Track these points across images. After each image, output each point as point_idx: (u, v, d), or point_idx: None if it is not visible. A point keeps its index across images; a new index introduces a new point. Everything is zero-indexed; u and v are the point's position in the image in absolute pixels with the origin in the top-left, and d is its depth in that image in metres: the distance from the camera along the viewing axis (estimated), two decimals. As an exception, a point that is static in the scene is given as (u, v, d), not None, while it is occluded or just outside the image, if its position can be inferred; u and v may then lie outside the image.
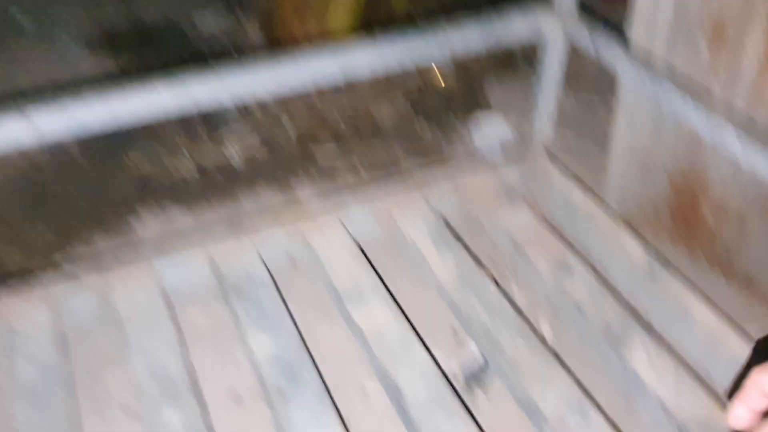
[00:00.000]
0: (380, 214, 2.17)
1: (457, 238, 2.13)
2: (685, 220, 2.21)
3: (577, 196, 2.17)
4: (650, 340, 1.78)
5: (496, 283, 1.96)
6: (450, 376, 1.93)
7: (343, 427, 1.59)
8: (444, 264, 2.01)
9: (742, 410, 0.75)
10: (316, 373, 1.70)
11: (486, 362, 1.93)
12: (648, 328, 1.84)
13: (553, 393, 1.66)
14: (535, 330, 1.85)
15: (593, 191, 2.27)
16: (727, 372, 1.71)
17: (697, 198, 2.12)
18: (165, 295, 1.93)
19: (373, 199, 2.19)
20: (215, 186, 2.43)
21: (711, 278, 2.18)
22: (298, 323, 1.86)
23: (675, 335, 1.85)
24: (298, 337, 1.79)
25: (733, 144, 1.66)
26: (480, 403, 1.88)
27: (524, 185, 2.35)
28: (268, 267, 2.01)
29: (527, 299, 2.09)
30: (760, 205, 1.92)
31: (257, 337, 1.79)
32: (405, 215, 2.16)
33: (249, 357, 1.77)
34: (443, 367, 1.93)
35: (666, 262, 1.95)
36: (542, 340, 1.81)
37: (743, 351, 1.68)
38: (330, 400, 1.64)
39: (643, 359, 1.73)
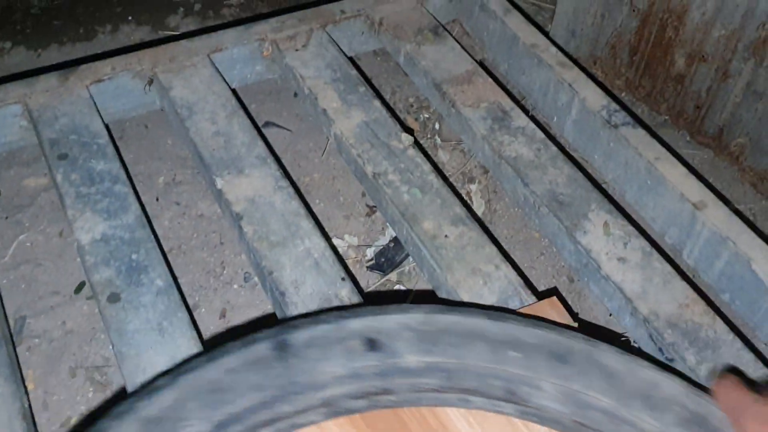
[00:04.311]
0: (263, 48, 1.65)
1: (366, 80, 1.64)
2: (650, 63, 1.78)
3: (518, 27, 1.69)
4: (608, 209, 1.38)
5: (414, 139, 1.50)
6: (345, 259, 1.52)
7: (200, 343, 1.16)
8: (347, 114, 1.52)
9: None
10: (165, 268, 1.24)
11: (398, 244, 1.52)
12: (605, 193, 1.45)
13: (483, 282, 1.25)
14: (462, 201, 1.43)
15: (538, 24, 1.79)
16: (704, 251, 1.35)
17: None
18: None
19: (254, 31, 1.66)
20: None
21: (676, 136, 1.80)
22: (144, 199, 1.40)
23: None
24: (142, 219, 1.31)
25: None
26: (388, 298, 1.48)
27: (452, 13, 1.84)
28: (105, 120, 1.49)
29: (450, 155, 1.66)
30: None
31: (85, 217, 1.30)
32: (297, 51, 1.64)
33: (72, 243, 1.31)
34: (341, 252, 1.52)
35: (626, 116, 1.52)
36: (474, 217, 1.39)
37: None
38: (181, 302, 1.20)
39: (599, 236, 1.34)
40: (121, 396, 1.25)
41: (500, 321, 0.96)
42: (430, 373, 0.92)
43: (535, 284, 1.51)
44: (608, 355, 0.94)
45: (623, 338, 1.40)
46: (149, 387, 0.86)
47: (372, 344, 0.93)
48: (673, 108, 1.83)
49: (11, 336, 1.20)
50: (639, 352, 1.16)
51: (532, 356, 0.93)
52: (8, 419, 1.04)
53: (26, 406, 1.07)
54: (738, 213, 1.39)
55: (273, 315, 1.41)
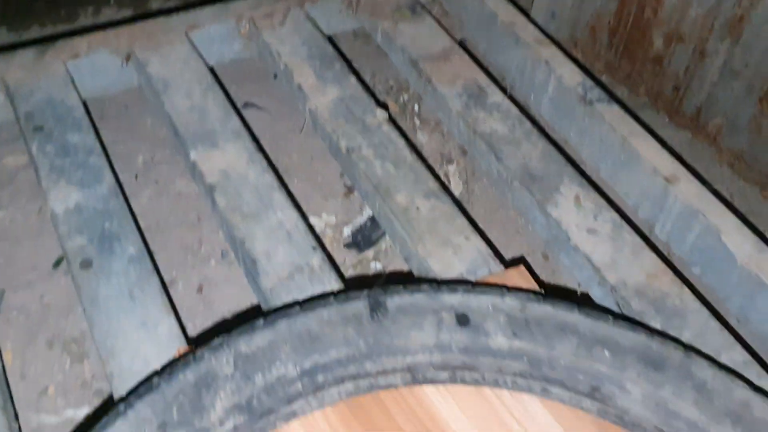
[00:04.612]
0: (241, 27, 1.66)
1: (343, 58, 1.65)
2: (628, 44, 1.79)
3: (497, 6, 1.69)
4: (580, 183, 1.39)
5: (390, 116, 1.51)
6: (323, 237, 1.53)
7: (170, 308, 1.16)
8: (322, 91, 1.53)
9: None
10: (138, 237, 1.25)
11: (375, 223, 1.53)
12: (579, 169, 1.46)
13: (453, 253, 1.26)
14: (437, 177, 1.44)
15: (519, 6, 1.80)
16: (676, 225, 1.36)
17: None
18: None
19: (232, 9, 1.66)
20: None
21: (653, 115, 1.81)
22: (119, 174, 1.40)
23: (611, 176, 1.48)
24: (117, 192, 1.31)
25: None
26: (363, 271, 1.49)
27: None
28: (83, 96, 1.49)
29: (429, 137, 1.67)
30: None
31: (60, 191, 1.31)
32: (274, 29, 1.65)
33: (47, 217, 1.31)
34: (319, 230, 1.52)
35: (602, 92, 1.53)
36: (446, 191, 1.40)
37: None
38: (155, 273, 1.21)
39: (570, 208, 1.35)
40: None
41: (595, 319, 0.96)
42: (516, 358, 0.94)
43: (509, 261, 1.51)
44: (704, 369, 0.93)
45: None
46: (248, 325, 0.89)
47: (464, 320, 0.94)
48: (651, 89, 1.84)
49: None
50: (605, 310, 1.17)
51: (622, 357, 0.93)
52: (-23, 382, 1.04)
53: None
54: (716, 194, 1.40)
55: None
